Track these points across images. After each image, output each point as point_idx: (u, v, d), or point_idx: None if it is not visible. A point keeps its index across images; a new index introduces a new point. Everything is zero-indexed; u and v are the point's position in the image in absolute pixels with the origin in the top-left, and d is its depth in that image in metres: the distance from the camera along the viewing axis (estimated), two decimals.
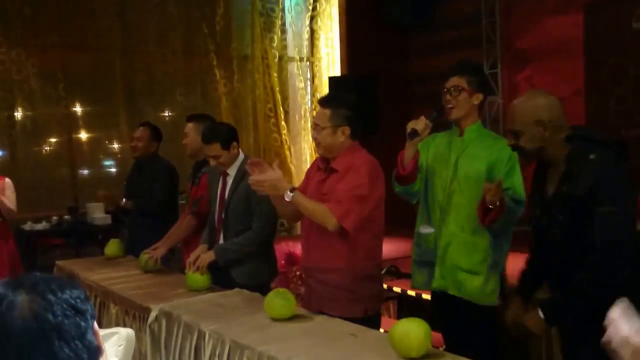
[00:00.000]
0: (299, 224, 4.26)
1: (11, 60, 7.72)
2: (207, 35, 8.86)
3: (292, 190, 3.32)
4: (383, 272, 4.21)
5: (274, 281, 4.47)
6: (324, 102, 3.56)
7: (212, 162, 4.15)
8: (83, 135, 8.30)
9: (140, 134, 5.43)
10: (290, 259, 7.16)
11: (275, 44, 9.39)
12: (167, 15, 8.66)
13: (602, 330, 2.83)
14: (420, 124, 3.39)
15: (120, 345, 2.19)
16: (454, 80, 3.55)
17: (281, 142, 9.41)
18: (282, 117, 9.41)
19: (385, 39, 8.97)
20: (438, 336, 3.68)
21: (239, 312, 3.41)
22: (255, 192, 4.02)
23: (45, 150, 8.14)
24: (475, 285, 3.48)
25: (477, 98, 3.57)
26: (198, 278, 3.94)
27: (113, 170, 8.53)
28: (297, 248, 6.66)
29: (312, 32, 9.76)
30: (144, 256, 4.54)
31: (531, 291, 3.20)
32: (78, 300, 1.35)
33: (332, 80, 9.04)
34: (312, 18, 9.69)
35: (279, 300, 3.21)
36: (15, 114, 7.85)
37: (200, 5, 8.88)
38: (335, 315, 3.30)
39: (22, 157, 7.90)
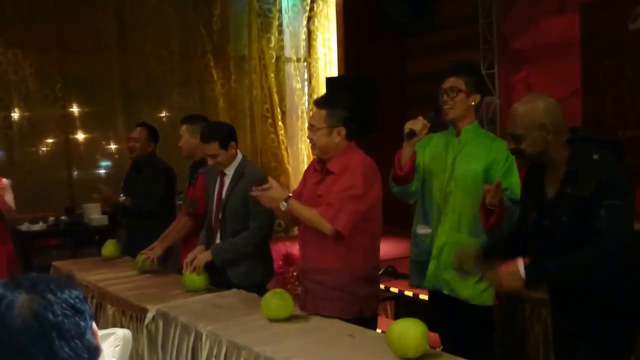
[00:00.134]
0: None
1: (8, 60, 7.72)
2: (204, 36, 8.87)
3: (287, 199, 3.32)
4: (380, 272, 4.21)
5: (271, 282, 4.47)
6: (319, 102, 3.55)
7: (210, 161, 4.15)
8: (80, 136, 8.29)
9: (138, 135, 5.43)
10: (288, 259, 7.16)
11: (272, 45, 9.40)
12: (165, 16, 8.66)
13: (595, 331, 2.86)
14: (418, 124, 3.39)
15: (117, 346, 2.19)
16: (452, 81, 3.55)
17: (278, 142, 9.41)
18: (279, 117, 9.41)
19: (382, 39, 8.97)
20: (435, 336, 3.68)
21: (236, 312, 3.41)
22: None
23: (42, 150, 8.13)
24: (469, 285, 3.48)
25: (475, 99, 3.57)
26: (195, 279, 3.94)
27: (110, 171, 8.51)
28: (294, 249, 6.66)
29: (309, 33, 9.76)
30: (141, 257, 4.54)
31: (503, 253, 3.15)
32: (77, 300, 1.35)
33: (329, 80, 9.04)
34: (309, 19, 9.70)
35: (277, 300, 3.21)
36: (12, 114, 7.85)
37: (197, 6, 8.88)
38: (330, 316, 3.29)
39: (19, 158, 7.90)
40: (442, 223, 3.56)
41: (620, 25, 6.55)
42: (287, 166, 9.49)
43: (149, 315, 3.52)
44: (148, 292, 3.99)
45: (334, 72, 9.65)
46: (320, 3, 9.70)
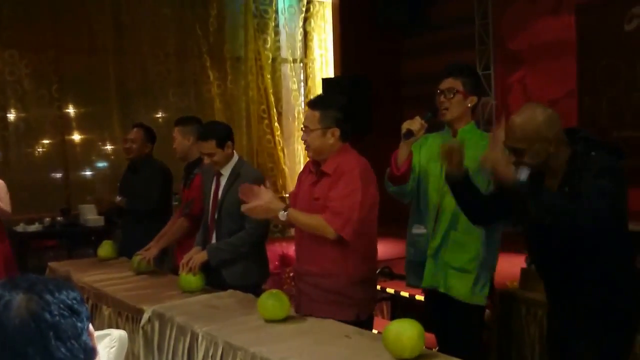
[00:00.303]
0: None
1: (4, 61, 7.71)
2: (200, 37, 8.88)
3: (286, 208, 3.31)
4: (377, 272, 4.21)
5: (268, 282, 4.46)
6: (312, 104, 3.54)
7: (206, 160, 4.14)
8: (76, 137, 8.29)
9: (134, 136, 5.42)
10: (284, 260, 7.16)
11: (268, 46, 9.41)
12: (161, 16, 8.66)
13: (593, 331, 2.86)
14: (415, 124, 3.38)
15: (112, 347, 2.18)
16: (449, 82, 3.55)
17: (274, 143, 9.42)
18: (276, 118, 9.42)
19: (379, 40, 8.99)
20: (431, 337, 3.69)
21: (233, 313, 3.40)
22: None
23: (38, 151, 8.13)
24: (464, 284, 3.48)
25: (472, 101, 3.57)
26: (191, 279, 3.93)
27: (106, 171, 8.51)
28: (290, 249, 6.66)
29: (306, 34, 9.78)
30: (137, 258, 4.54)
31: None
32: (74, 301, 1.35)
33: (326, 81, 9.06)
34: (305, 19, 9.71)
35: (273, 301, 3.21)
36: (8, 115, 7.85)
37: (193, 6, 8.89)
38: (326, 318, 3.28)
39: (15, 159, 7.89)
40: (438, 223, 3.56)
41: (615, 26, 6.57)
42: (284, 167, 9.50)
43: (145, 316, 3.52)
44: (144, 292, 3.98)
45: (330, 73, 9.66)
46: (317, 4, 9.72)
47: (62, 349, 1.30)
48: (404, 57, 9.30)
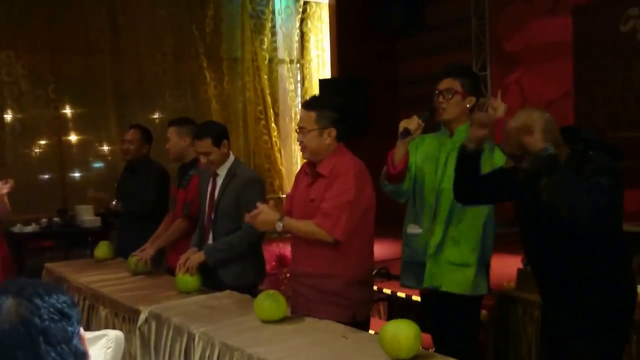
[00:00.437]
0: None
1: (0, 62, 7.70)
2: (197, 38, 8.88)
3: (281, 219, 3.32)
4: (373, 273, 4.21)
5: (264, 283, 4.46)
6: (308, 105, 3.52)
7: (203, 159, 4.14)
8: (73, 138, 8.28)
9: (132, 137, 5.42)
10: (281, 260, 7.16)
11: (265, 46, 9.41)
12: (157, 17, 8.65)
13: (589, 331, 2.87)
14: (412, 123, 3.39)
15: (109, 348, 2.19)
16: (447, 82, 3.55)
17: (271, 144, 9.42)
18: (272, 119, 9.42)
19: (375, 41, 9.00)
20: (428, 337, 3.69)
21: (229, 314, 3.40)
22: (245, 191, 4.04)
23: (35, 152, 8.12)
24: (467, 276, 3.49)
25: (470, 101, 3.58)
26: (188, 280, 3.93)
27: (103, 172, 8.49)
28: (287, 250, 6.65)
29: (302, 35, 9.78)
30: (133, 259, 4.53)
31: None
32: (65, 305, 1.34)
33: (322, 82, 9.06)
34: (302, 20, 9.71)
35: (270, 302, 3.21)
36: (5, 116, 7.83)
37: (190, 7, 8.88)
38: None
39: (12, 159, 7.87)
40: (436, 222, 3.56)
41: (611, 27, 6.59)
42: (281, 168, 9.50)
43: (142, 317, 3.52)
44: (141, 293, 3.98)
45: (326, 74, 9.67)
46: (313, 5, 9.72)
47: (52, 354, 1.29)
48: (401, 58, 9.31)
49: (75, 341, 1.34)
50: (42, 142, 8.14)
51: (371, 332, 3.40)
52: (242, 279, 4.05)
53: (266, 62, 9.42)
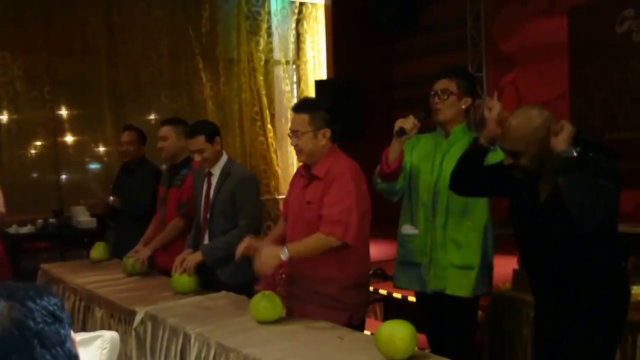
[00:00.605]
0: None
1: None
2: (193, 38, 8.86)
3: (283, 250, 3.28)
4: (370, 272, 4.21)
5: (260, 284, 4.46)
6: (299, 107, 3.49)
7: (197, 158, 4.13)
8: (68, 139, 8.26)
9: (129, 138, 5.42)
10: None
11: (261, 47, 9.41)
12: (153, 18, 8.64)
13: (583, 331, 2.88)
14: (408, 122, 3.40)
15: (104, 349, 2.18)
16: (444, 83, 3.56)
17: (267, 145, 9.41)
18: (268, 120, 9.42)
19: (371, 42, 9.00)
20: (424, 338, 3.69)
21: (225, 314, 3.40)
22: (239, 189, 4.04)
23: (31, 153, 8.10)
24: (470, 279, 3.49)
25: (466, 102, 3.59)
26: (184, 281, 3.93)
27: (99, 173, 8.47)
28: None
29: (298, 36, 9.78)
30: (129, 260, 4.52)
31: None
32: (56, 308, 1.33)
33: (318, 83, 9.06)
34: (298, 21, 9.71)
35: (265, 303, 3.21)
36: (0, 117, 7.81)
37: (185, 8, 8.87)
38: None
39: (7, 160, 7.85)
40: (434, 224, 3.57)
41: (607, 28, 6.60)
42: (276, 168, 9.50)
43: (138, 318, 3.52)
44: (136, 294, 3.98)
45: (322, 75, 9.67)
46: (309, 6, 9.72)
47: (47, 356, 1.28)
48: (396, 59, 9.32)
49: (68, 344, 1.33)
50: (38, 143, 8.12)
51: (367, 332, 3.40)
52: (238, 277, 4.05)
53: (262, 63, 9.42)
